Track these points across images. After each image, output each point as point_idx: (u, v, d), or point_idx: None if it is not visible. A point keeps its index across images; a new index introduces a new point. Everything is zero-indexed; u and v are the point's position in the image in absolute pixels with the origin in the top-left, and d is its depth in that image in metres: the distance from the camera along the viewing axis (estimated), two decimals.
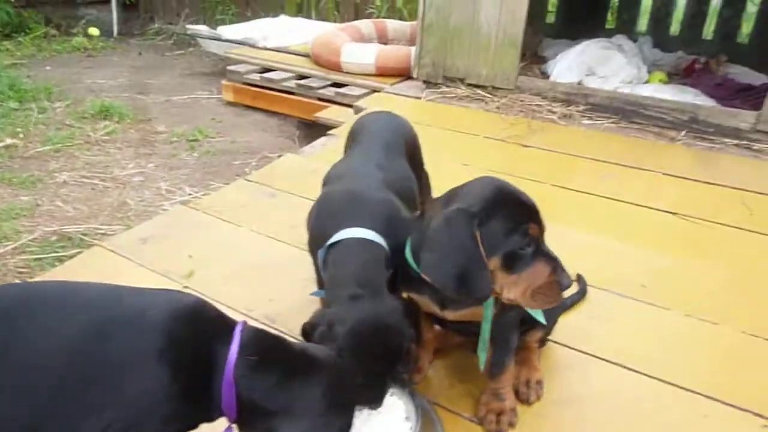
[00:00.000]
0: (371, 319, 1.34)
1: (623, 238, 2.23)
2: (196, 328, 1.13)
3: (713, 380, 1.58)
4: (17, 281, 2.23)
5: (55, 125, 3.86)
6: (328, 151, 2.91)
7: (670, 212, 2.43)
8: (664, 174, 2.77)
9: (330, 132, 3.17)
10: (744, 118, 3.14)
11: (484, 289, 1.19)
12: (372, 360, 1.31)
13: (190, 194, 2.93)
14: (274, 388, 1.14)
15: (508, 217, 1.18)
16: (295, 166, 2.75)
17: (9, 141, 3.51)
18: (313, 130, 3.76)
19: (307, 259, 2.05)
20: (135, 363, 1.06)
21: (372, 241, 1.49)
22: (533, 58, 4.43)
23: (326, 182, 1.77)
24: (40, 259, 2.37)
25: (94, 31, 6.40)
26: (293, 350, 1.22)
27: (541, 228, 1.23)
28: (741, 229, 2.33)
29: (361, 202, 1.56)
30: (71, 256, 2.31)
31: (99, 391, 1.05)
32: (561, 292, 1.22)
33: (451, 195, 1.29)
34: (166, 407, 1.09)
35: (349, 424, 1.22)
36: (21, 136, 3.60)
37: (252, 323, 1.76)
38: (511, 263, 1.19)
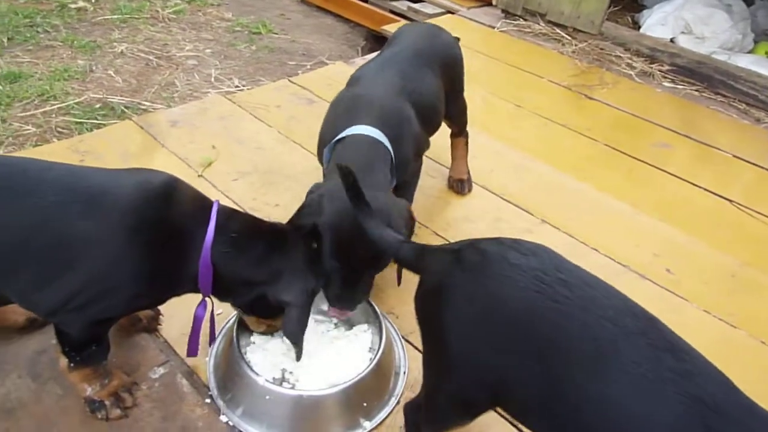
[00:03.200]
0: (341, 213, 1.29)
1: (659, 215, 2.06)
2: (168, 208, 1.12)
3: None
4: (55, 140, 2.31)
5: None
6: None
7: (724, 197, 2.22)
8: (734, 156, 2.51)
9: None
10: None
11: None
12: (345, 251, 1.29)
13: (237, 86, 2.90)
14: (257, 261, 1.17)
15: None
16: (341, 76, 2.65)
17: (81, 3, 3.55)
18: (380, 43, 3.61)
19: (321, 171, 2.03)
20: (103, 241, 1.07)
21: (379, 141, 1.47)
22: (632, 3, 4.05)
23: (347, 84, 1.71)
24: (80, 123, 2.43)
25: None
26: (267, 227, 1.23)
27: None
28: None
29: (371, 105, 1.52)
30: (109, 125, 2.36)
31: (66, 261, 1.06)
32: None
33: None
34: (133, 285, 1.11)
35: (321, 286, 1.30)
36: (93, 0, 3.63)
37: None
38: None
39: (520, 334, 0.91)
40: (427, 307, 1.04)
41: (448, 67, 1.78)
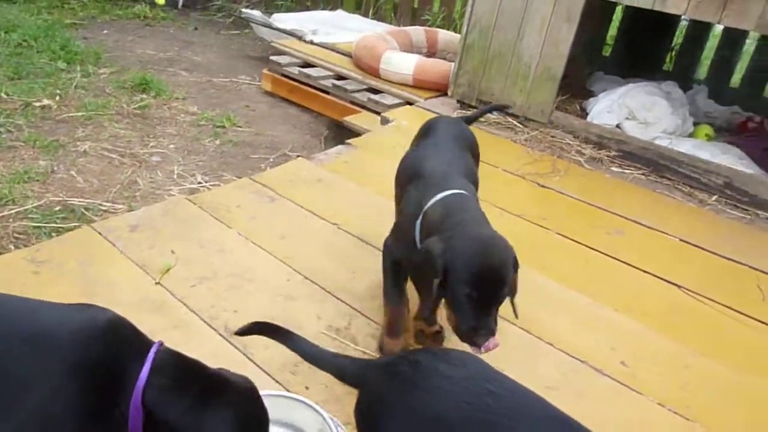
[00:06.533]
0: (486, 239, 1.45)
1: (614, 305, 2.12)
2: (109, 348, 1.12)
3: None
4: (12, 246, 2.29)
5: (93, 92, 3.95)
6: (341, 161, 2.89)
7: (675, 284, 2.30)
8: (681, 240, 2.62)
9: (348, 141, 3.13)
10: None
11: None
12: (480, 278, 1.38)
13: (200, 183, 2.95)
14: (187, 411, 1.14)
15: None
16: (302, 173, 2.73)
17: (46, 101, 3.61)
18: (342, 132, 3.73)
19: (284, 273, 2.05)
20: (43, 379, 1.05)
21: (469, 195, 1.64)
22: (581, 90, 4.29)
23: (409, 174, 1.83)
24: (39, 227, 2.43)
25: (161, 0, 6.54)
26: (208, 374, 1.21)
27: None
28: (749, 316, 2.18)
29: (448, 179, 1.69)
30: (68, 229, 2.35)
31: (5, 402, 1.04)
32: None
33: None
34: (72, 425, 1.09)
35: None
36: (58, 98, 3.70)
37: (210, 333, 1.79)
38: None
39: None
40: (366, 420, 1.07)
41: (473, 151, 2.03)
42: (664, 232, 2.66)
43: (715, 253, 2.55)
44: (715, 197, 3.05)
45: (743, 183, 3.03)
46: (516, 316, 1.51)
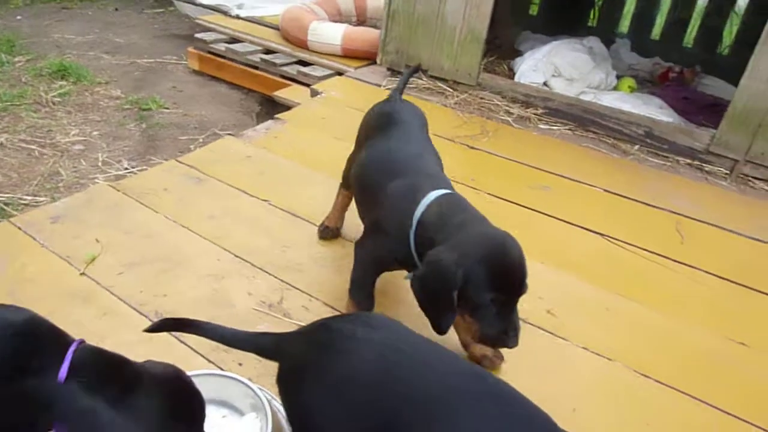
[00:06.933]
0: (497, 238, 1.40)
1: (541, 258, 2.20)
2: (24, 349, 1.10)
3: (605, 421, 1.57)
4: None
5: (8, 81, 3.76)
6: (270, 137, 2.85)
7: (599, 233, 2.39)
8: (605, 191, 2.72)
9: (278, 116, 3.10)
10: (698, 138, 3.09)
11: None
12: (503, 279, 1.34)
13: (126, 169, 2.87)
14: (109, 404, 1.14)
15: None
16: (230, 151, 2.69)
17: None
18: (275, 108, 3.68)
19: (214, 253, 2.03)
20: None
21: (458, 194, 1.59)
22: (510, 51, 4.34)
23: (385, 172, 1.69)
24: None
25: None
26: (129, 367, 1.21)
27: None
28: (670, 258, 2.30)
29: (439, 180, 1.64)
30: None
31: None
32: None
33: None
34: None
35: None
36: None
37: (140, 319, 1.77)
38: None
39: (371, 404, 0.98)
40: (287, 387, 1.09)
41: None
42: (589, 184, 2.76)
43: (636, 201, 2.67)
44: (637, 147, 3.17)
45: (663, 132, 3.16)
46: None
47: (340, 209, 2.15)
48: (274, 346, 1.15)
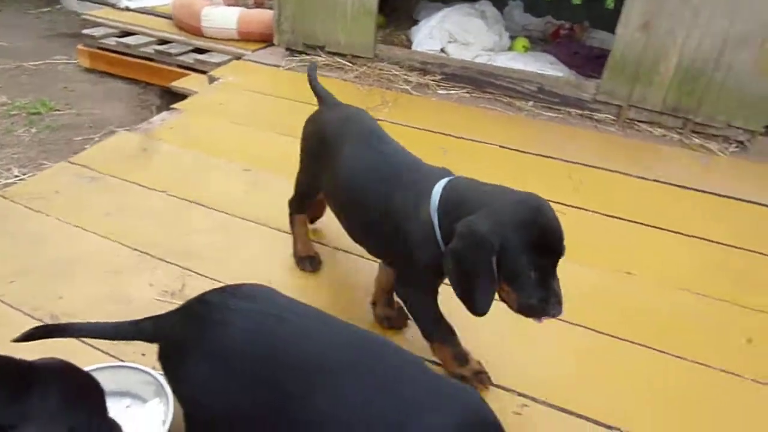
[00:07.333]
0: (527, 199, 1.31)
1: None
2: None
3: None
4: None
5: None
6: (166, 128, 2.80)
7: None
8: (500, 146, 2.83)
9: (173, 106, 3.03)
10: (585, 89, 3.25)
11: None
12: (543, 246, 1.25)
13: (17, 176, 2.75)
14: (4, 404, 1.12)
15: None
16: (125, 146, 2.62)
17: None
18: (176, 99, 3.59)
19: (111, 249, 2.00)
20: None
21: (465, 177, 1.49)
22: (408, 21, 4.39)
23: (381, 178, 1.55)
24: None
25: None
26: (21, 365, 1.19)
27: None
28: (564, 204, 2.42)
29: (437, 170, 1.54)
30: None
31: None
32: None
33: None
34: None
35: (85, 424, 1.23)
36: None
37: (35, 324, 1.73)
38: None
39: (253, 375, 1.00)
40: (169, 364, 1.11)
41: None
42: (485, 143, 2.86)
43: (531, 153, 2.79)
44: (530, 103, 3.30)
45: (553, 86, 3.30)
46: None
47: (304, 236, 1.99)
48: (153, 328, 1.16)
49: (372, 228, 1.57)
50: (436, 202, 1.38)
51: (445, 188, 1.40)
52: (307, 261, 1.95)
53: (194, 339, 1.06)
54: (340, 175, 1.62)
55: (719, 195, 2.58)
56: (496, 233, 1.22)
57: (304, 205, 1.96)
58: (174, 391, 1.12)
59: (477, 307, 1.29)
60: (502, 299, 1.32)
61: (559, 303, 1.27)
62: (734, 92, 2.94)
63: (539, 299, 1.26)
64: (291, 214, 1.98)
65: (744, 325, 1.87)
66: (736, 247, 2.24)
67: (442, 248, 1.36)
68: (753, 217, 2.49)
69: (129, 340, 1.24)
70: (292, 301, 1.12)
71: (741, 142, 3.03)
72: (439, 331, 1.53)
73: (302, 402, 0.98)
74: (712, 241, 2.27)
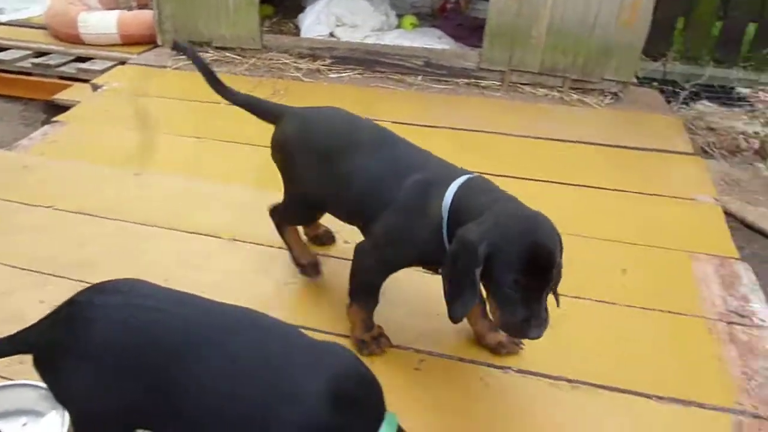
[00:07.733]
0: (529, 216, 1.31)
1: None
2: None
3: None
4: None
5: None
6: (48, 142, 2.70)
7: None
8: (392, 122, 2.90)
9: (55, 119, 2.93)
10: (470, 58, 3.38)
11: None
12: (529, 265, 1.23)
13: None
14: None
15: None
16: (3, 165, 2.52)
17: None
18: (58, 112, 3.44)
19: None
20: None
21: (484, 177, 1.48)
22: (297, 8, 4.38)
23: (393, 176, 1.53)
24: None
25: None
26: None
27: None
28: None
29: (452, 168, 1.54)
30: None
31: None
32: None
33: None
34: None
35: None
36: None
37: None
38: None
39: (133, 366, 1.02)
40: (45, 369, 1.11)
41: None
42: (376, 119, 2.91)
43: (420, 125, 2.88)
44: (420, 77, 3.40)
45: (439, 58, 3.41)
46: (557, 305, 1.38)
47: (300, 242, 1.93)
48: (26, 338, 1.15)
49: (366, 216, 1.55)
50: (449, 203, 1.38)
51: (461, 187, 1.40)
52: (310, 267, 1.88)
53: (65, 341, 1.07)
54: (343, 183, 1.60)
55: (595, 144, 2.77)
56: (485, 244, 1.22)
57: (306, 217, 1.91)
58: (56, 397, 1.12)
59: (451, 311, 1.31)
60: (490, 311, 1.35)
61: (539, 326, 1.25)
62: (602, 47, 3.14)
63: (521, 319, 1.25)
64: (279, 225, 1.88)
65: (619, 258, 2.04)
66: (612, 190, 2.42)
67: (446, 245, 1.37)
68: (627, 160, 2.69)
69: (9, 356, 1.22)
70: (161, 288, 1.14)
71: (615, 94, 3.25)
72: (366, 297, 1.60)
73: (186, 381, 1.01)
74: (591, 187, 2.44)
